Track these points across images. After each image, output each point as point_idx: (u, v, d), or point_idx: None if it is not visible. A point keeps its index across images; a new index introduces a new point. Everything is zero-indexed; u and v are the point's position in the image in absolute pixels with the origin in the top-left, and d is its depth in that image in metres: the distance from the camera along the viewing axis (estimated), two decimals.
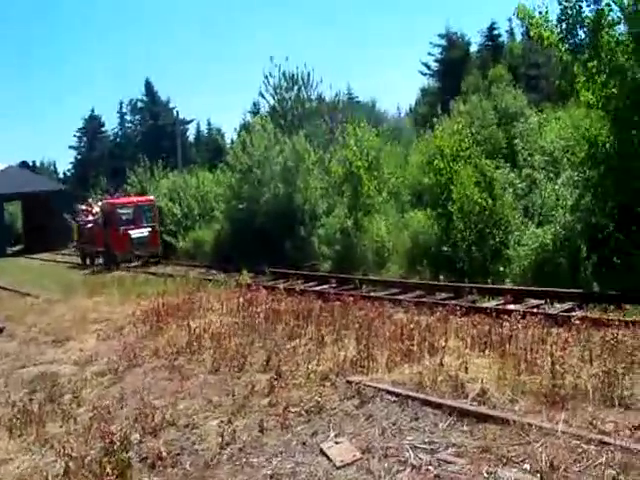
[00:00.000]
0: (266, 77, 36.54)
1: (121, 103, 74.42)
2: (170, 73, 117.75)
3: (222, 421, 6.22)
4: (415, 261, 18.61)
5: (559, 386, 5.95)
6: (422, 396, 6.13)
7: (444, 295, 14.46)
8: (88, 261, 31.40)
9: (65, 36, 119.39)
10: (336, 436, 5.60)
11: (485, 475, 4.55)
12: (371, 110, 50.82)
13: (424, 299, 13.76)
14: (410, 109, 59.51)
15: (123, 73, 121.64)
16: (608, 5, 14.18)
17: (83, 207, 34.38)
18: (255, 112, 39.78)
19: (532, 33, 15.70)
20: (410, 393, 6.22)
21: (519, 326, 8.27)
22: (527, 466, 4.65)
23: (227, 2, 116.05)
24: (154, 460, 5.62)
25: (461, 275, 16.43)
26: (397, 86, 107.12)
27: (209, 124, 79.55)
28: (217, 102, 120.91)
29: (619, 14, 14.22)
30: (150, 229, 28.17)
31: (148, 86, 72.65)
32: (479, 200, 17.73)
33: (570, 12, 14.38)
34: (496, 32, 55.93)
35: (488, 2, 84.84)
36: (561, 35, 14.60)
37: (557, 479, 4.39)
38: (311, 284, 17.71)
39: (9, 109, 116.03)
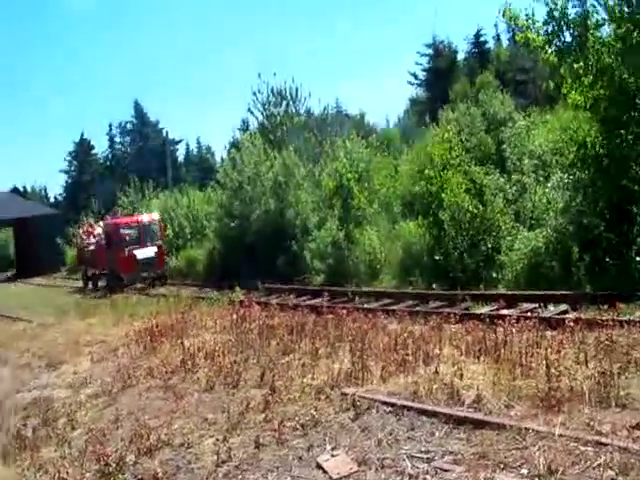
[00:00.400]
0: (254, 93, 36.69)
1: (110, 125, 74.40)
2: (158, 93, 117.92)
3: (217, 439, 6.19)
4: (408, 271, 18.59)
5: (555, 389, 5.91)
6: (418, 405, 6.10)
7: (437, 303, 14.42)
8: (91, 285, 29.98)
9: (53, 60, 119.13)
10: (332, 449, 5.56)
11: None
12: (360, 122, 50.99)
13: (417, 308, 13.73)
14: (399, 119, 59.65)
15: (112, 95, 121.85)
16: (593, 6, 14.27)
17: (84, 228, 33.39)
18: (244, 129, 39.80)
19: (518, 36, 15.77)
20: (405, 403, 6.19)
21: (513, 331, 8.23)
22: (525, 471, 4.62)
23: (212, 18, 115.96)
24: None
25: (454, 283, 16.41)
26: (386, 97, 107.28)
27: (198, 143, 79.73)
28: (206, 121, 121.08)
29: (604, 15, 14.30)
30: (156, 248, 27.10)
31: (137, 107, 72.76)
32: (470, 207, 17.74)
33: (556, 14, 14.44)
34: (482, 39, 56.28)
35: (474, 9, 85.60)
36: (547, 37, 14.65)
37: None
38: (304, 298, 17.66)
39: None
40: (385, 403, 6.28)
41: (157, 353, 10.27)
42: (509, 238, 17.28)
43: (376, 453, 5.31)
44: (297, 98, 36.99)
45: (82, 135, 75.27)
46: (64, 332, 14.18)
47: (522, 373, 6.68)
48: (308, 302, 16.41)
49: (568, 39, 14.58)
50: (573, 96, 14.79)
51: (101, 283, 28.73)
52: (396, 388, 6.71)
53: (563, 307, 12.27)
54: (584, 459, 4.61)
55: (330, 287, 18.82)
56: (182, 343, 9.90)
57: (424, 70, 56.96)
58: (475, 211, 17.66)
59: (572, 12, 14.44)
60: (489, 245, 17.34)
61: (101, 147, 77.63)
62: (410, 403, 6.18)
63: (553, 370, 6.18)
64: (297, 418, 6.33)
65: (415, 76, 57.97)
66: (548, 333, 8.50)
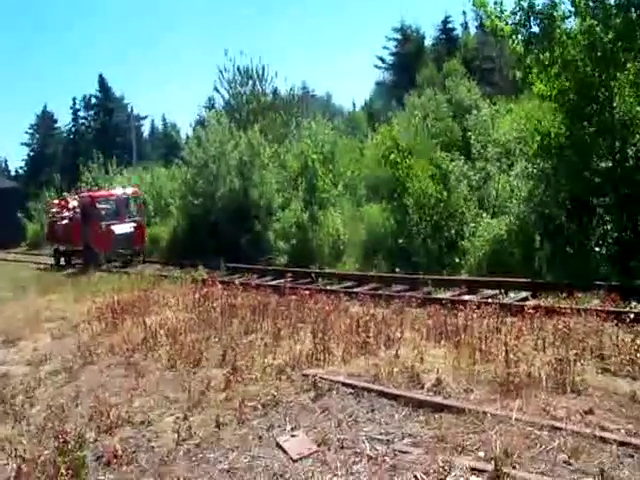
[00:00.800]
0: (220, 72, 36.38)
1: (74, 99, 73.03)
2: (124, 68, 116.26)
3: (178, 417, 6.19)
4: (371, 254, 18.70)
5: (513, 374, 6.04)
6: (378, 388, 6.17)
7: (400, 287, 14.50)
8: (63, 261, 28.07)
9: (15, 31, 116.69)
10: (292, 429, 5.60)
11: (440, 464, 4.58)
12: (326, 104, 51.00)
13: (380, 291, 13.78)
14: (365, 102, 59.73)
15: (76, 68, 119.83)
16: None
17: (56, 201, 31.47)
18: (210, 107, 39.47)
19: (487, 23, 15.85)
20: (366, 385, 6.25)
21: (474, 316, 8.37)
22: (482, 453, 4.71)
23: None
24: (109, 458, 5.53)
25: (417, 267, 16.53)
26: (352, 80, 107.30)
27: (164, 120, 79.24)
28: (172, 97, 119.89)
29: (570, 8, 14.44)
30: (135, 224, 25.18)
31: (102, 82, 71.60)
32: (434, 193, 17.87)
33: (524, 4, 14.55)
34: (450, 26, 56.57)
35: None
36: (515, 26, 14.75)
37: (511, 465, 4.43)
38: (267, 278, 17.64)
39: None
40: (346, 385, 6.34)
41: (119, 330, 10.17)
42: (472, 225, 17.48)
43: (336, 434, 5.35)
44: (263, 77, 36.78)
45: (45, 108, 74.18)
46: (23, 308, 13.96)
47: (482, 358, 6.80)
48: (271, 282, 16.40)
49: (535, 29, 14.71)
50: (538, 86, 14.94)
51: (75, 260, 27.22)
52: (357, 370, 6.77)
53: (523, 294, 12.45)
54: (539, 443, 4.73)
55: (293, 268, 18.84)
56: (144, 321, 9.86)
57: (391, 54, 57.15)
58: (439, 197, 17.80)
59: (540, 2, 14.56)
60: (452, 231, 17.54)
61: (64, 121, 76.43)
62: (370, 385, 6.24)
63: (512, 356, 6.30)
64: (258, 398, 6.35)
65: (382, 60, 58.18)
66: (508, 319, 8.60)
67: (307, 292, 10.88)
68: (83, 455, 5.49)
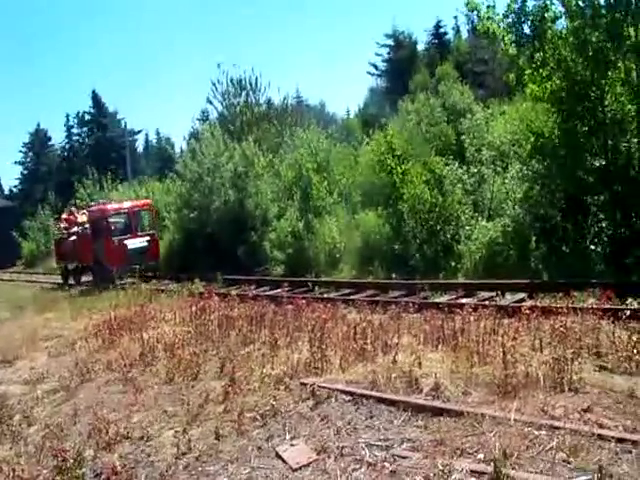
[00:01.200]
0: (214, 84, 36.49)
1: (67, 116, 72.91)
2: (117, 83, 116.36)
3: (177, 431, 6.17)
4: (367, 261, 18.70)
5: (511, 375, 6.02)
6: (376, 394, 6.15)
7: (396, 293, 14.53)
8: (72, 280, 26.64)
9: (7, 48, 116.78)
10: (291, 439, 5.59)
11: (440, 467, 4.57)
12: (320, 112, 51.05)
13: (377, 298, 13.79)
14: (359, 109, 59.84)
15: (69, 85, 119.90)
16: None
17: (64, 216, 29.76)
18: (204, 119, 39.57)
19: (479, 26, 15.95)
20: (364, 392, 6.24)
21: (471, 319, 8.34)
22: (481, 456, 4.70)
23: (173, 8, 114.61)
24: (109, 475, 5.49)
25: (413, 273, 16.56)
26: (346, 87, 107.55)
27: (158, 134, 79.13)
28: (165, 111, 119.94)
29: (561, 8, 14.52)
30: (149, 237, 23.96)
31: (95, 97, 71.52)
32: (429, 197, 17.90)
33: (515, 6, 14.63)
34: (442, 30, 56.78)
35: (434, 1, 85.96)
36: (507, 28, 14.83)
37: (510, 466, 4.42)
38: (264, 289, 17.65)
39: None
40: (344, 392, 6.32)
41: (116, 346, 10.16)
42: (468, 228, 17.50)
43: (335, 442, 5.34)
44: (257, 88, 36.93)
45: (38, 126, 74.03)
46: (20, 327, 13.93)
47: (479, 360, 6.77)
48: (268, 293, 16.40)
49: (526, 31, 14.79)
50: (531, 87, 15.02)
51: (85, 278, 25.90)
52: (355, 377, 6.75)
53: (520, 295, 12.46)
54: (538, 443, 4.72)
55: (290, 277, 18.84)
56: (141, 336, 9.84)
57: (384, 61, 57.31)
58: (434, 201, 17.82)
59: (531, 4, 14.65)
60: (448, 235, 17.55)
61: (58, 138, 76.33)
62: (369, 392, 6.22)
63: (509, 357, 6.28)
64: (257, 408, 6.34)
65: (375, 66, 58.33)
66: (505, 321, 8.59)
67: (304, 301, 10.84)
68: (82, 473, 5.50)
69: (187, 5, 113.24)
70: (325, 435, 5.52)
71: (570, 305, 8.94)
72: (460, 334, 7.82)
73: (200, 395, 7.05)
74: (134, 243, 23.24)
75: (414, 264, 17.11)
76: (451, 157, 20.96)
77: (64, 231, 27.94)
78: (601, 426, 4.90)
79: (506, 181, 18.26)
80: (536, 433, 4.85)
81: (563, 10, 14.49)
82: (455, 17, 56.84)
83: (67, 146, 73.15)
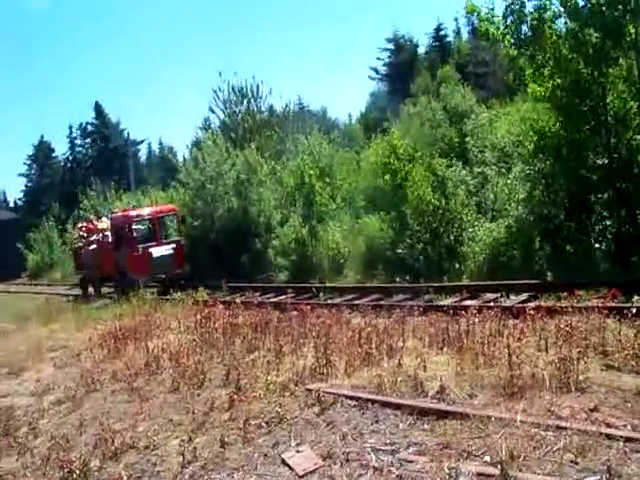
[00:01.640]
0: (215, 92, 36.54)
1: (71, 127, 73.05)
2: (119, 94, 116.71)
3: (183, 440, 6.12)
4: (371, 265, 18.70)
5: (517, 376, 5.98)
6: (382, 398, 6.12)
7: (401, 297, 14.48)
8: (92, 291, 25.55)
9: (9, 62, 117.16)
10: (297, 445, 5.55)
11: (447, 471, 4.54)
12: (322, 118, 51.10)
13: (381, 302, 13.78)
14: (361, 114, 59.90)
15: (72, 97, 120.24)
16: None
17: (81, 225, 28.70)
18: (206, 128, 39.56)
19: (479, 29, 15.98)
20: (370, 396, 6.20)
21: (476, 321, 8.30)
22: (488, 458, 4.67)
23: (174, 18, 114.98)
24: None
25: (417, 276, 16.53)
26: (347, 92, 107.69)
27: (161, 143, 79.33)
28: (168, 121, 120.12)
29: (560, 8, 14.51)
30: (174, 245, 22.94)
31: (98, 108, 71.78)
32: (432, 199, 17.87)
33: (514, 7, 14.63)
34: (443, 33, 56.86)
35: (434, 3, 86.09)
36: (507, 30, 14.84)
37: (517, 468, 4.40)
38: (268, 296, 17.61)
39: None
40: (349, 397, 6.29)
41: (121, 356, 10.14)
42: (471, 230, 17.46)
43: (341, 447, 5.31)
44: (258, 95, 36.93)
45: (42, 138, 74.19)
46: (26, 338, 13.91)
47: (485, 362, 6.74)
48: (272, 299, 16.38)
49: (526, 31, 14.78)
50: (532, 87, 15.02)
51: (105, 289, 24.92)
52: (360, 382, 6.72)
53: (524, 296, 12.41)
54: (545, 444, 4.68)
55: (294, 284, 18.82)
56: (146, 345, 9.83)
57: (385, 65, 57.40)
58: (437, 203, 17.80)
59: (529, 5, 14.66)
60: (451, 237, 17.51)
61: (62, 150, 76.60)
62: (374, 396, 6.19)
63: (515, 358, 6.24)
64: (262, 416, 6.31)
65: (376, 71, 58.45)
66: (510, 322, 8.57)
67: (308, 307, 10.84)
68: None
69: (188, 14, 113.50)
70: (331, 441, 5.49)
71: (575, 304, 8.92)
72: (465, 336, 7.79)
73: (205, 403, 7.02)
74: (159, 251, 22.23)
75: (418, 267, 17.07)
76: (454, 159, 20.95)
77: (83, 240, 26.83)
78: (609, 426, 4.86)
79: (509, 181, 18.23)
80: (543, 434, 4.81)
81: (562, 9, 14.48)
82: (456, 19, 57.03)
83: (70, 157, 73.36)
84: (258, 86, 36.72)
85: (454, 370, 6.60)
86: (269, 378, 7.36)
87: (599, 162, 14.43)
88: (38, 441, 7.18)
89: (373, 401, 6.09)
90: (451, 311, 9.99)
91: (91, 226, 26.79)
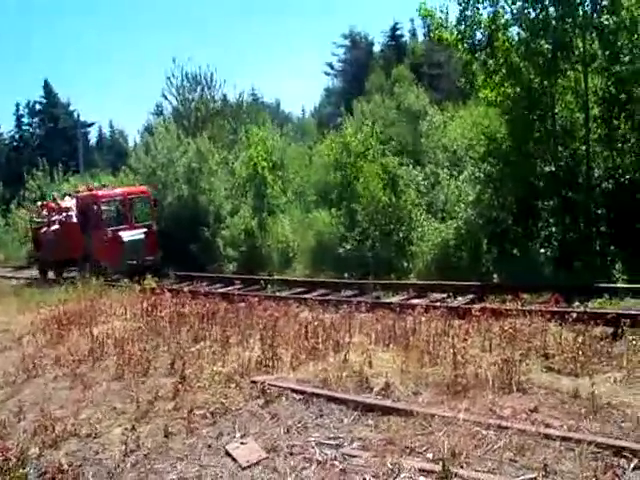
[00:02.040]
0: (168, 78, 36.17)
1: (17, 105, 71.21)
2: (70, 74, 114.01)
3: (126, 428, 6.05)
4: (320, 260, 18.74)
5: (461, 376, 6.11)
6: (327, 393, 6.17)
7: (349, 292, 14.58)
8: (52, 274, 23.76)
9: None
10: (242, 437, 5.56)
11: (389, 466, 4.61)
12: (276, 111, 51.00)
13: (329, 297, 13.83)
14: (315, 109, 59.98)
15: (20, 74, 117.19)
16: (503, 8, 14.70)
17: (42, 203, 26.70)
18: (158, 114, 39.15)
19: (432, 34, 16.13)
20: (315, 390, 6.25)
21: (422, 320, 8.44)
22: (430, 455, 4.75)
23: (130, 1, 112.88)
24: (54, 474, 5.41)
25: (366, 272, 16.61)
26: (301, 86, 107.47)
27: (111, 126, 77.84)
28: (119, 104, 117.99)
29: (512, 16, 14.75)
30: (146, 229, 21.13)
31: (47, 87, 70.13)
32: (383, 197, 17.99)
33: (468, 13, 14.81)
34: (399, 32, 57.13)
35: (391, 3, 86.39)
36: (460, 36, 15.01)
37: (459, 465, 4.50)
38: (216, 286, 17.53)
39: None
40: (295, 391, 6.32)
41: (65, 342, 9.94)
42: (420, 229, 17.62)
43: (285, 440, 5.34)
44: (212, 84, 36.70)
45: None
46: None
47: (430, 361, 6.85)
48: (220, 290, 16.30)
49: (480, 38, 15.01)
50: (484, 92, 15.25)
51: (67, 273, 22.87)
52: (306, 376, 6.76)
53: (471, 297, 12.60)
54: (486, 442, 4.79)
55: (243, 275, 18.78)
56: (91, 331, 9.65)
57: (340, 61, 57.51)
58: (388, 201, 17.92)
59: (483, 12, 14.89)
60: (401, 235, 17.65)
61: (7, 128, 74.54)
62: (319, 391, 6.24)
63: (459, 358, 6.36)
64: (207, 406, 6.30)
65: (331, 66, 58.52)
66: (456, 322, 8.67)
67: (256, 299, 10.83)
68: (25, 472, 5.39)
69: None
70: (275, 433, 5.51)
71: (519, 307, 9.11)
72: (411, 334, 7.90)
73: (150, 392, 6.95)
74: (130, 235, 20.60)
75: (367, 264, 17.18)
76: (406, 158, 21.11)
77: (44, 219, 24.82)
78: (547, 426, 5.00)
79: (459, 183, 18.46)
80: (484, 433, 4.92)
81: (513, 18, 14.73)
82: (412, 20, 57.38)
83: (17, 136, 71.54)
84: (212, 74, 36.57)
85: (399, 367, 6.68)
86: (215, 369, 7.33)
87: (546, 170, 14.75)
88: None
89: (318, 395, 6.13)
90: (398, 309, 10.09)
91: (53, 205, 24.81)
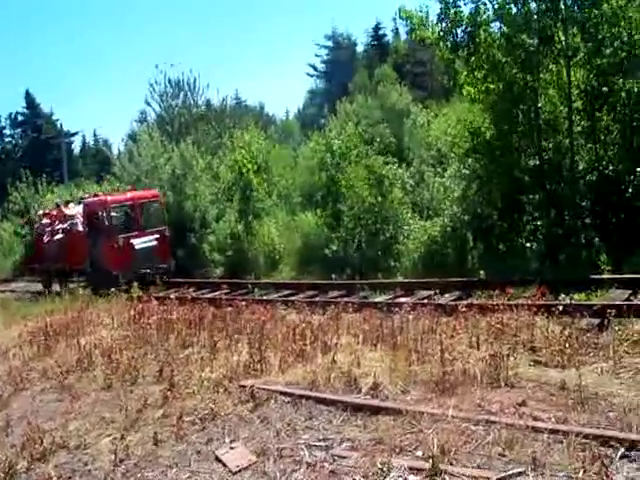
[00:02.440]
0: (151, 85, 36.09)
1: None
2: (52, 84, 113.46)
3: (115, 438, 6.04)
4: (307, 262, 18.74)
5: (449, 373, 6.13)
6: (316, 394, 6.17)
7: (336, 293, 14.48)
8: (57, 286, 21.66)
9: None
10: (231, 442, 5.55)
11: (379, 466, 4.60)
12: (259, 114, 50.97)
13: (316, 299, 13.78)
14: (298, 111, 59.99)
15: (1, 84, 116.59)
16: (484, 4, 14.75)
17: (44, 211, 25.00)
18: (142, 121, 39.02)
19: (414, 34, 16.15)
20: (304, 392, 6.25)
21: (409, 318, 8.45)
22: (419, 453, 4.76)
23: (112, 9, 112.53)
24: None
25: (353, 273, 16.59)
26: (285, 89, 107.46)
27: (95, 135, 77.54)
28: (103, 113, 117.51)
29: (494, 12, 14.80)
30: (158, 235, 20.02)
31: (28, 98, 69.76)
32: (368, 197, 18.00)
33: (449, 11, 14.85)
34: (382, 32, 57.23)
35: (374, 2, 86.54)
36: (441, 34, 15.04)
37: (448, 462, 4.50)
38: (203, 291, 17.40)
39: None
40: (283, 393, 6.32)
41: (52, 353, 9.88)
42: (406, 227, 17.65)
43: (275, 443, 5.33)
44: (195, 89, 36.65)
45: None
46: None
47: (418, 359, 6.86)
48: (207, 295, 16.24)
49: (461, 35, 15.03)
50: (468, 88, 15.30)
51: (74, 283, 21.04)
52: (294, 378, 6.75)
53: (457, 293, 12.60)
54: (475, 438, 4.81)
55: (229, 279, 18.71)
56: (78, 342, 9.60)
57: (323, 62, 57.59)
58: (373, 201, 17.93)
59: (464, 9, 14.92)
60: (387, 235, 17.66)
61: None
62: (308, 392, 6.24)
63: (447, 355, 6.39)
64: (196, 412, 6.28)
65: (314, 68, 58.58)
66: (443, 319, 8.68)
67: (243, 303, 10.82)
68: None
69: (125, 5, 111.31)
70: (265, 437, 5.50)
71: (506, 302, 9.12)
72: (399, 333, 7.89)
73: (139, 400, 6.92)
74: (142, 242, 19.47)
75: (353, 264, 17.17)
76: (391, 157, 21.12)
77: (46, 229, 23.20)
78: (535, 419, 5.02)
79: (444, 180, 18.51)
80: (473, 429, 4.94)
81: (495, 14, 14.78)
82: (394, 19, 57.37)
83: None
84: (195, 79, 36.52)
85: (388, 366, 6.68)
86: (203, 374, 7.33)
87: (531, 164, 14.81)
88: None
89: (307, 397, 6.14)
90: (385, 308, 10.10)
91: (57, 213, 23.11)
